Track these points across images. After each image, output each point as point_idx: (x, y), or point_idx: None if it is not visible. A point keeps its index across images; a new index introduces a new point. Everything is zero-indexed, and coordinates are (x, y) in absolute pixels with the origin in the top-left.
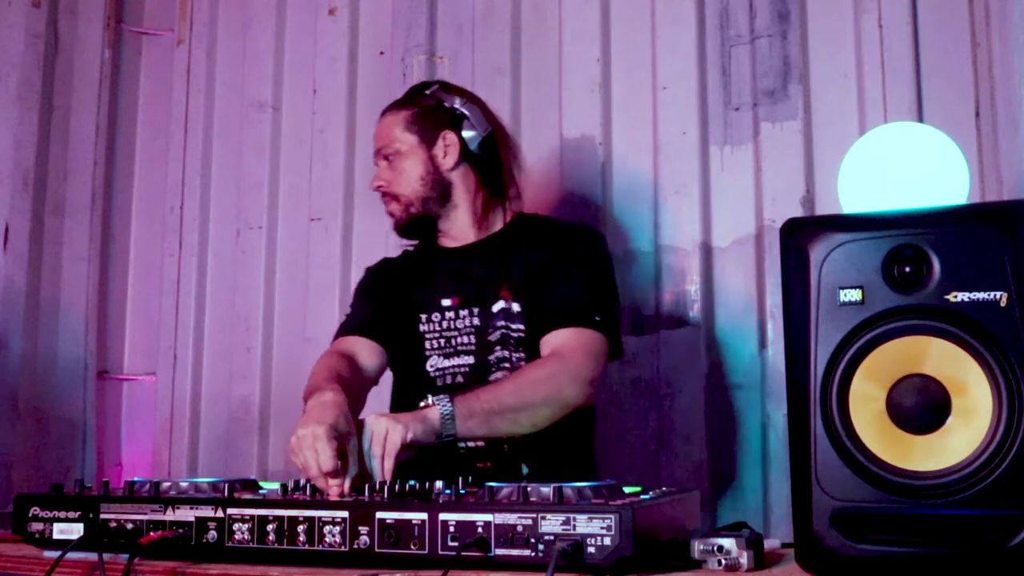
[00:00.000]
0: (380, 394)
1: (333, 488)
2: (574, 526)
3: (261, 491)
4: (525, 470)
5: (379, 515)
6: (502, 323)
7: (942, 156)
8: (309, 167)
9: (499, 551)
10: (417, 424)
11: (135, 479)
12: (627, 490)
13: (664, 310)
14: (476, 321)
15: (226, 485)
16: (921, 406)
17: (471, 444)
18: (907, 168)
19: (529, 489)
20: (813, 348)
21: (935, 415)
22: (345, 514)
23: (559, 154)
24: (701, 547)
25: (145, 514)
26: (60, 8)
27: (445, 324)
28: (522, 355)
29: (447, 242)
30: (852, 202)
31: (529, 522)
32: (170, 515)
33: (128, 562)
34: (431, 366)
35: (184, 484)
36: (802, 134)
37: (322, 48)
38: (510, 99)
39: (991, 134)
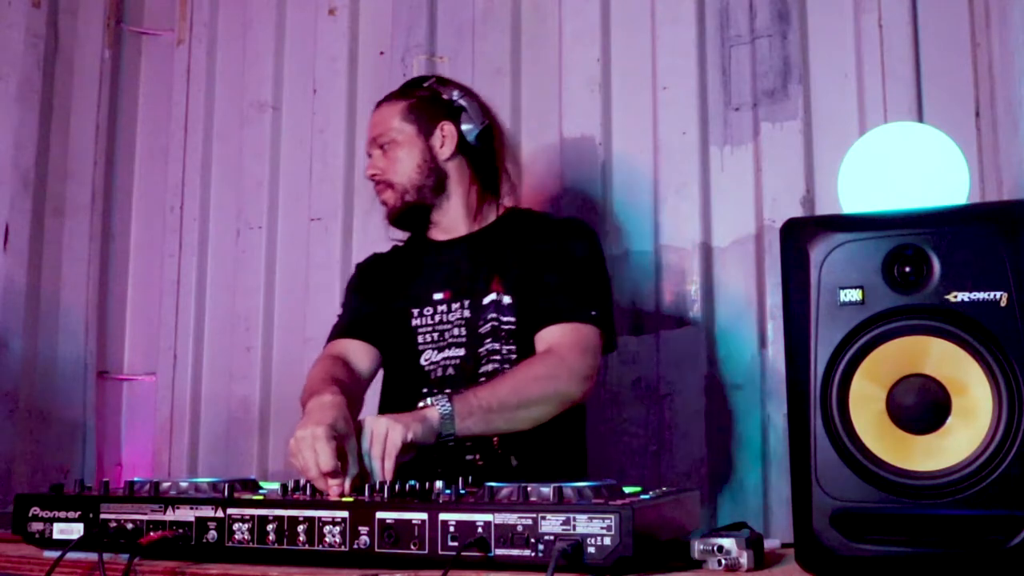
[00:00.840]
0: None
1: (333, 488)
2: (574, 526)
3: (261, 491)
4: (514, 463)
5: (379, 515)
6: (493, 315)
7: (942, 156)
8: (309, 167)
9: (499, 551)
10: (417, 424)
11: (135, 479)
12: (627, 490)
13: (664, 310)
14: (467, 313)
15: (226, 485)
16: (921, 406)
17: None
18: (907, 168)
19: (529, 489)
20: (813, 348)
21: (935, 415)
22: (345, 514)
23: (559, 154)
24: (701, 547)
25: (145, 514)
26: (60, 8)
27: (438, 317)
28: (512, 347)
29: (438, 235)
30: (852, 202)
31: (529, 522)
32: (170, 515)
33: (128, 562)
34: (425, 360)
35: (184, 484)
36: (802, 134)
37: (322, 48)
38: (510, 99)
39: (991, 134)
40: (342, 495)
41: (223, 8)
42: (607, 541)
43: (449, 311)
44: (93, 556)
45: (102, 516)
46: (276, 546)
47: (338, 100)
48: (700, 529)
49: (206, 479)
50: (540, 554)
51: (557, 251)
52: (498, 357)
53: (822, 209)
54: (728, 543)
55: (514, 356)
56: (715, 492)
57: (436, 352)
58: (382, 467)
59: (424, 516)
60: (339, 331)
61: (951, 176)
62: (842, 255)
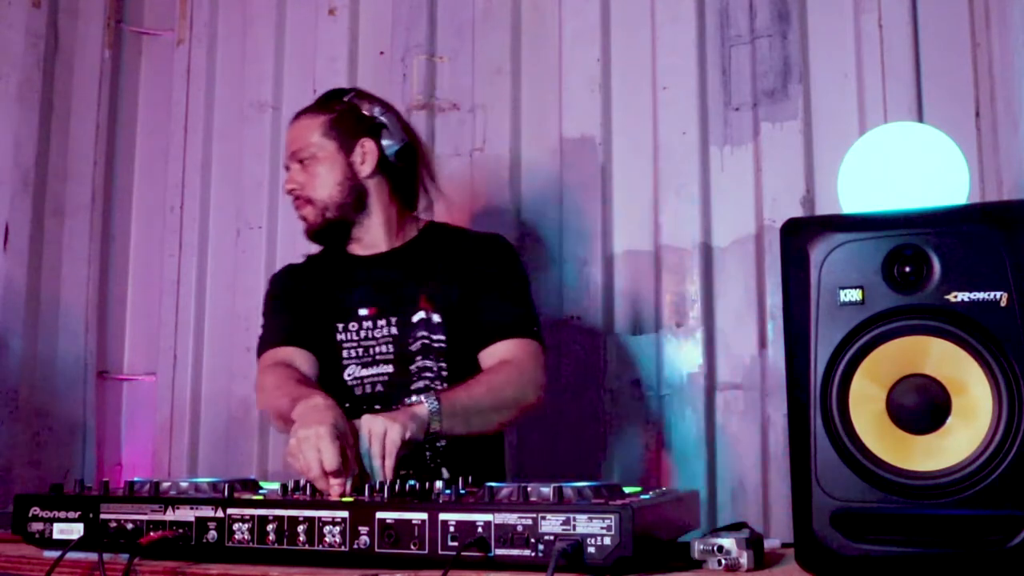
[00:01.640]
0: None
1: (334, 488)
2: (574, 526)
3: (261, 491)
4: (445, 474)
5: (379, 515)
6: (423, 333)
7: (942, 156)
8: None
9: (499, 551)
10: (412, 422)
11: (135, 479)
12: (627, 490)
13: (664, 310)
14: (394, 331)
15: (226, 485)
16: (921, 406)
17: None
18: (907, 168)
19: (529, 489)
20: (813, 348)
21: (935, 415)
22: (345, 514)
23: (559, 154)
24: (701, 547)
25: (145, 514)
26: (60, 8)
27: (363, 333)
28: (444, 364)
29: (359, 250)
30: (852, 202)
31: (529, 522)
32: (170, 515)
33: (128, 562)
34: (349, 375)
35: (184, 484)
36: (802, 134)
37: (322, 48)
38: (510, 99)
39: (991, 134)
40: (343, 495)
41: (223, 8)
42: (607, 541)
43: (375, 327)
44: (93, 556)
45: (102, 516)
46: (276, 546)
47: None
48: (700, 529)
49: (206, 479)
50: (540, 554)
51: (488, 272)
52: (430, 374)
53: (822, 209)
54: (728, 543)
55: (445, 373)
56: (715, 492)
57: (361, 368)
58: (383, 466)
59: (424, 516)
60: (276, 339)
61: (951, 176)
62: (842, 255)
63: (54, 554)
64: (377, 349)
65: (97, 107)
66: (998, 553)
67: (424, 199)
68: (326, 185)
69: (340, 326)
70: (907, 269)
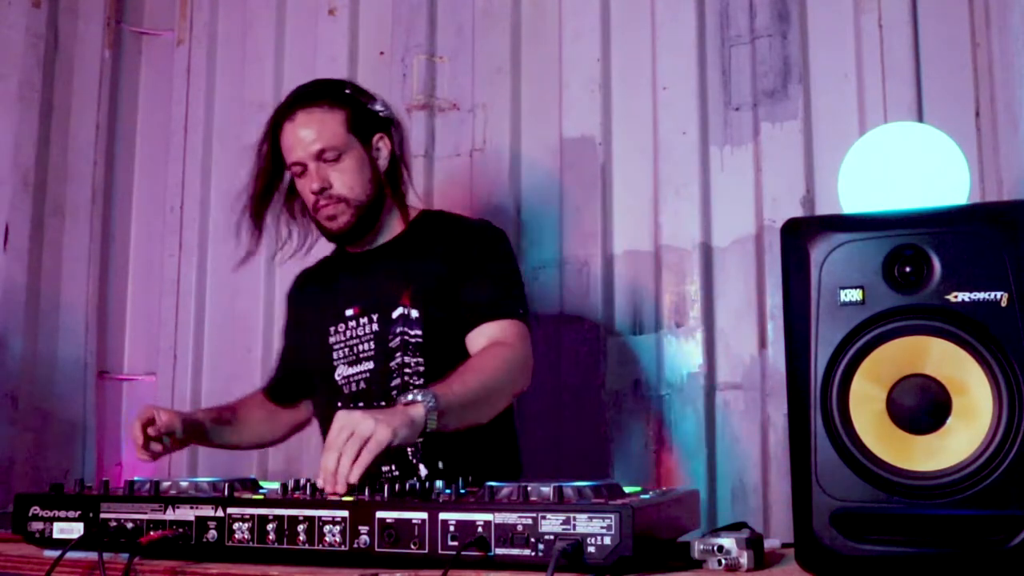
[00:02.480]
0: None
1: (339, 487)
2: (574, 526)
3: (261, 491)
4: (423, 472)
5: (379, 515)
6: (401, 329)
7: (942, 156)
8: None
9: (499, 551)
10: (405, 429)
11: (135, 479)
12: (627, 490)
13: (664, 310)
14: (376, 328)
15: (226, 485)
16: (921, 406)
17: None
18: (907, 168)
19: (529, 489)
20: (813, 348)
21: (935, 415)
22: (345, 513)
23: (559, 154)
24: (701, 547)
25: (145, 514)
26: (60, 8)
27: (349, 333)
28: (420, 359)
29: (352, 247)
30: (852, 202)
31: (529, 522)
32: (170, 515)
33: (128, 562)
34: (339, 375)
35: (184, 484)
36: (802, 134)
37: (322, 48)
38: (510, 99)
39: (991, 134)
40: (346, 493)
41: (223, 8)
42: (607, 541)
43: (358, 326)
44: (93, 555)
45: (102, 516)
46: (276, 546)
47: None
48: (700, 529)
49: (206, 479)
50: (540, 554)
51: (475, 257)
52: (408, 370)
53: (822, 209)
54: (728, 543)
55: (422, 368)
56: (715, 492)
57: (347, 367)
58: (351, 466)
59: (424, 516)
60: (268, 387)
61: (951, 176)
62: (842, 255)
63: (54, 554)
64: (361, 347)
65: (97, 107)
66: (998, 553)
67: (408, 185)
68: (359, 182)
69: (332, 329)
70: (907, 269)
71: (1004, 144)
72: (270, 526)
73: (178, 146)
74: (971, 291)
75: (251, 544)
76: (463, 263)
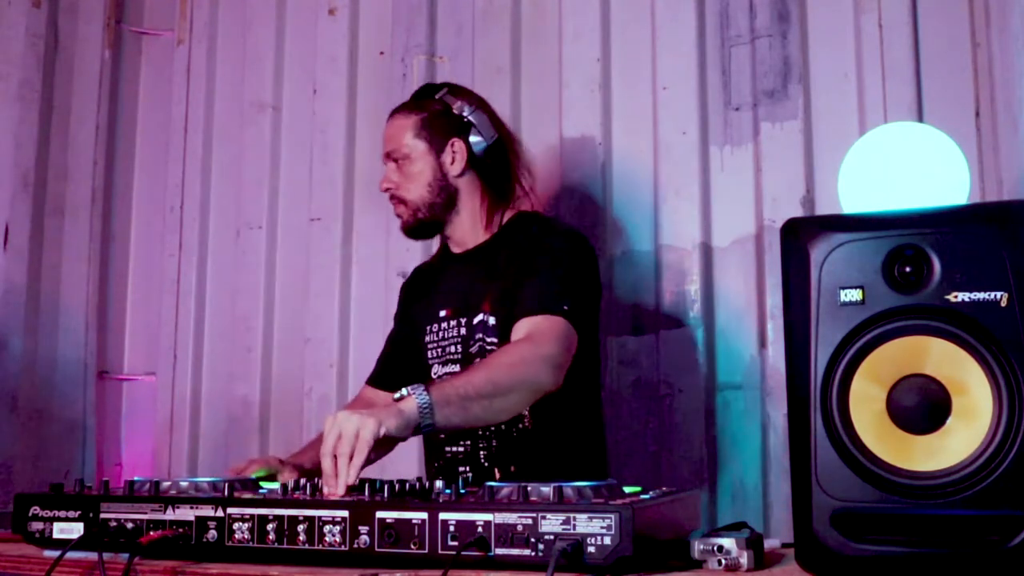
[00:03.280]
0: None
1: (340, 490)
2: (574, 526)
3: (261, 491)
4: (497, 475)
5: (379, 514)
6: (480, 335)
7: (942, 156)
8: (309, 167)
9: (499, 551)
10: (391, 419)
11: (135, 479)
12: (627, 490)
13: (664, 310)
14: (463, 331)
15: (226, 485)
16: (921, 406)
17: (452, 448)
18: (907, 168)
19: (529, 489)
20: (813, 348)
21: (935, 415)
22: (345, 513)
23: (559, 154)
24: (701, 547)
25: (145, 513)
26: (60, 8)
27: (441, 334)
28: None
29: (454, 247)
30: (852, 202)
31: (529, 522)
32: (170, 515)
33: (128, 561)
34: (435, 373)
35: (184, 484)
36: (802, 134)
37: (322, 48)
38: (510, 98)
39: (991, 134)
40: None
41: (223, 8)
42: (607, 541)
43: (449, 328)
44: (93, 555)
45: (102, 516)
46: (276, 546)
47: (338, 100)
48: (700, 529)
49: (206, 479)
50: (540, 554)
51: (537, 255)
52: None
53: (822, 209)
54: (728, 543)
55: None
56: (715, 492)
57: (440, 366)
58: (348, 467)
59: (424, 516)
60: (370, 376)
61: (951, 176)
62: (842, 255)
63: (54, 554)
64: (450, 348)
65: (97, 107)
66: (998, 553)
67: (520, 190)
68: (419, 186)
69: (428, 328)
70: (907, 269)
71: (1004, 144)
72: (270, 526)
73: (178, 146)
74: (971, 291)
75: (251, 544)
76: (526, 265)
